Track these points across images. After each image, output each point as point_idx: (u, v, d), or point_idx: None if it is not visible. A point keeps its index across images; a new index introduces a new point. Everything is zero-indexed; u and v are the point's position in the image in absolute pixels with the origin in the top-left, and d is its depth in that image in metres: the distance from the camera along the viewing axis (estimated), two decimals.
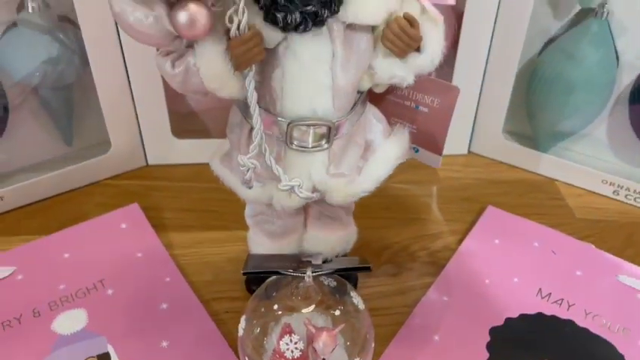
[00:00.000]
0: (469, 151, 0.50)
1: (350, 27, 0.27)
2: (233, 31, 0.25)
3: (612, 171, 0.45)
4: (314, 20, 0.25)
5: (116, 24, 0.41)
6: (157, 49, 0.27)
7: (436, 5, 0.27)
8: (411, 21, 0.26)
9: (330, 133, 0.28)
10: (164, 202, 0.44)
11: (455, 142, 0.49)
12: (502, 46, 0.44)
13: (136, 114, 0.45)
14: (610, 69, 0.43)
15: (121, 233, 0.40)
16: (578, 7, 0.44)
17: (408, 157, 0.31)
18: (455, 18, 0.45)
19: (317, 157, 0.29)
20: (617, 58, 0.43)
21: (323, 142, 0.28)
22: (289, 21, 0.25)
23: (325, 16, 0.25)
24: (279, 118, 0.28)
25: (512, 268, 0.38)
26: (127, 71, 0.43)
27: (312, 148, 0.28)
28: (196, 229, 0.42)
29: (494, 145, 0.49)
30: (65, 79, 0.43)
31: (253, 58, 0.25)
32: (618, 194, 0.44)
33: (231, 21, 0.25)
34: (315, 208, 0.33)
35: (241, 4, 0.25)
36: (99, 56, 0.42)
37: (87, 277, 0.37)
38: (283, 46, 0.26)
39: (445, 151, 0.36)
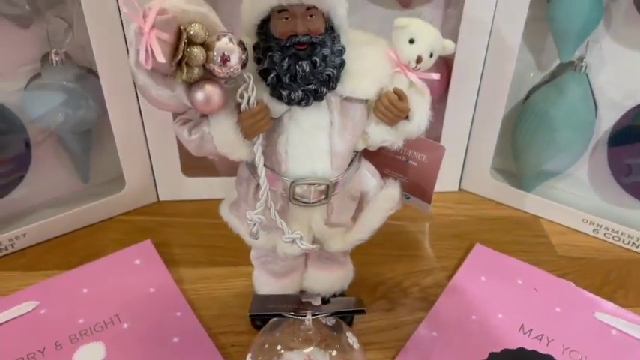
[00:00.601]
0: (460, 189, 0.53)
1: (346, 99, 0.30)
2: (243, 106, 0.29)
3: (592, 210, 0.48)
4: (314, 96, 0.29)
5: (125, 46, 0.44)
6: (175, 118, 0.31)
7: (422, 78, 0.31)
8: (400, 95, 0.30)
9: (328, 190, 0.32)
10: (174, 238, 0.47)
11: (446, 180, 0.52)
12: (489, 93, 0.47)
13: (149, 154, 0.49)
14: (589, 116, 0.46)
15: (136, 269, 0.44)
16: (559, 60, 0.47)
17: (399, 209, 0.34)
18: (446, 67, 0.49)
19: (317, 210, 0.32)
20: (596, 105, 0.47)
21: (322, 197, 0.32)
22: (293, 97, 0.29)
23: (324, 92, 0.29)
24: (284, 178, 0.31)
25: (497, 304, 0.41)
26: (141, 116, 0.47)
27: (313, 203, 0.32)
28: (204, 265, 0.45)
29: (482, 183, 0.52)
30: (84, 124, 0.46)
31: (261, 128, 0.29)
32: (598, 232, 0.48)
33: (241, 97, 0.29)
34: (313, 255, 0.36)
35: (250, 83, 0.29)
36: (116, 103, 0.45)
37: (104, 311, 0.40)
38: (287, 115, 0.30)
39: (437, 189, 0.39)
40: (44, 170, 0.48)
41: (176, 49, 0.26)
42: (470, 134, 0.50)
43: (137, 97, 0.46)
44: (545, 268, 0.44)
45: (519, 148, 0.49)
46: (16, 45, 0.43)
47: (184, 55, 0.26)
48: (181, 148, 0.50)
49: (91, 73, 0.46)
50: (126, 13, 0.39)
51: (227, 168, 0.40)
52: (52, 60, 0.43)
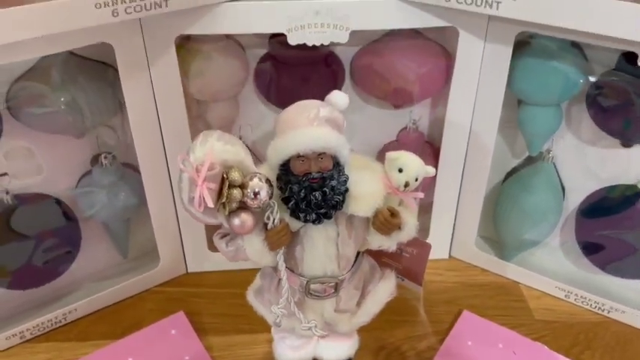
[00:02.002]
0: (450, 256, 0.61)
1: (350, 215, 0.38)
2: (270, 225, 0.37)
3: (564, 277, 0.56)
4: (325, 216, 0.36)
5: (168, 170, 0.52)
6: (216, 232, 0.38)
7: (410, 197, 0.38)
8: (393, 212, 0.37)
9: (337, 286, 0.39)
10: (203, 308, 0.55)
11: (438, 249, 0.60)
12: (471, 178, 0.55)
13: (180, 234, 0.57)
14: (557, 198, 0.54)
15: (172, 339, 0.51)
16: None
17: (395, 295, 0.42)
18: (433, 153, 0.57)
19: (328, 301, 0.40)
20: (563, 188, 0.55)
21: (332, 292, 0.39)
22: (308, 218, 0.36)
23: (333, 213, 0.37)
24: (301, 277, 0.39)
25: None
26: (174, 203, 0.54)
27: (325, 296, 0.39)
28: (230, 333, 0.52)
29: (469, 252, 0.59)
30: (126, 213, 0.54)
31: (283, 242, 0.37)
32: (569, 297, 0.55)
33: (268, 218, 0.36)
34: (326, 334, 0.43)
35: (275, 208, 0.36)
36: (154, 193, 0.53)
37: None
38: (303, 230, 0.38)
39: (431, 256, 0.47)
40: (90, 249, 0.56)
41: (220, 191, 0.34)
42: (457, 210, 0.58)
43: (171, 189, 0.53)
44: (523, 332, 0.52)
45: (499, 223, 0.57)
46: (71, 150, 0.51)
47: (226, 196, 0.34)
48: (207, 228, 0.58)
49: (132, 168, 0.54)
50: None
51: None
52: (101, 162, 0.51)
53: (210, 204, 0.32)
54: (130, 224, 0.56)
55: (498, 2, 0.41)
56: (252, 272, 0.45)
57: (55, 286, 0.53)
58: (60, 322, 0.52)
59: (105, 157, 0.51)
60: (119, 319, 0.53)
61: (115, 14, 0.39)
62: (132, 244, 0.58)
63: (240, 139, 0.53)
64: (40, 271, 0.52)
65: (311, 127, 0.35)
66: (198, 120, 0.53)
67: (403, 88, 0.51)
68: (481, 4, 0.41)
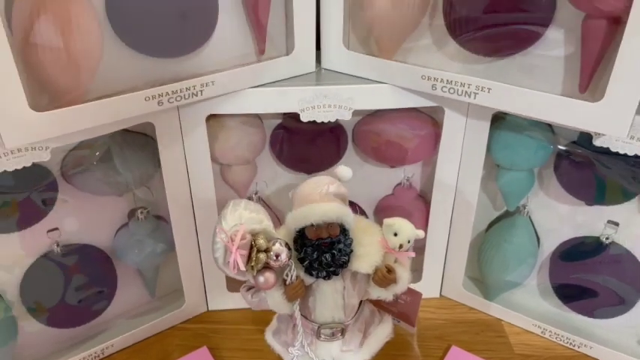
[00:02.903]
0: (441, 295, 0.68)
1: (354, 272, 0.46)
2: (288, 281, 0.44)
3: (540, 315, 0.63)
4: (334, 273, 0.44)
5: (195, 222, 0.60)
6: (242, 286, 0.46)
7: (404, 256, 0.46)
8: (389, 269, 0.45)
9: (343, 330, 0.47)
10: (222, 343, 0.62)
11: (430, 289, 0.67)
12: (458, 228, 0.63)
13: (203, 276, 0.64)
14: (533, 247, 0.62)
15: None
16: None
17: (392, 336, 0.49)
18: (425, 206, 0.65)
19: (335, 343, 0.47)
20: (538, 237, 0.62)
21: (339, 335, 0.47)
22: (319, 275, 0.44)
23: (340, 271, 0.44)
24: (312, 323, 0.46)
25: None
26: (199, 250, 0.62)
27: (333, 339, 0.47)
28: None
29: (457, 292, 0.67)
30: (157, 260, 0.62)
31: (299, 295, 0.45)
32: (545, 333, 0.62)
33: (286, 275, 0.44)
34: None
35: (293, 267, 0.44)
36: (181, 241, 0.61)
37: None
38: (315, 284, 0.45)
39: (425, 295, 0.55)
40: (124, 290, 0.63)
41: (249, 254, 0.42)
42: (446, 255, 0.65)
43: (197, 238, 0.61)
44: None
45: (484, 267, 0.64)
46: (112, 205, 0.59)
47: (254, 260, 0.41)
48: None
49: (163, 220, 0.62)
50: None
51: None
52: (137, 216, 0.59)
53: (243, 268, 0.40)
54: (159, 268, 0.64)
55: (475, 93, 0.49)
56: (265, 311, 0.52)
57: (94, 323, 0.61)
58: (99, 356, 0.60)
59: (141, 212, 0.59)
60: (150, 354, 0.61)
61: (160, 104, 0.48)
62: (159, 285, 0.65)
63: (256, 193, 0.63)
64: (75, 310, 0.59)
65: (322, 202, 0.43)
66: (223, 180, 0.61)
67: (398, 152, 0.60)
68: (462, 94, 0.50)
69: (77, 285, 0.57)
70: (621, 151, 0.48)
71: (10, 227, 0.52)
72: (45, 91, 0.43)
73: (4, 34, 0.39)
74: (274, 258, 0.42)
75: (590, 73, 0.46)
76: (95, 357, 0.59)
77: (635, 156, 0.48)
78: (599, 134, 0.48)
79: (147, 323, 0.62)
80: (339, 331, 0.48)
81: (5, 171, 0.45)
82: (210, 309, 0.66)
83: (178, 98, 0.48)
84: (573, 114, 0.46)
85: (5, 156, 0.44)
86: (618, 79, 0.43)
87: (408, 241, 0.46)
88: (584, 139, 0.53)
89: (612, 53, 0.43)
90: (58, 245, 0.56)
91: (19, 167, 0.45)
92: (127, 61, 0.47)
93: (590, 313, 0.61)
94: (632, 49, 0.41)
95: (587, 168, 0.54)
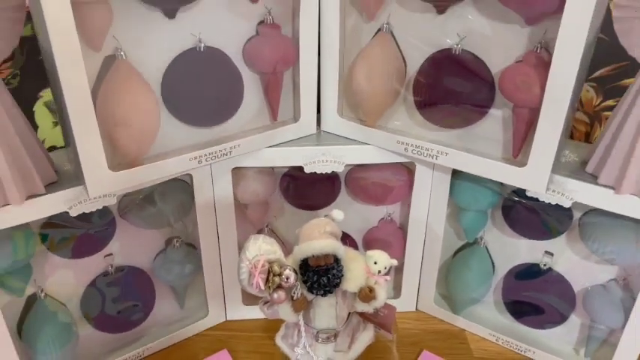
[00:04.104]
0: (416, 309, 0.83)
1: (344, 290, 0.60)
2: (295, 297, 0.59)
3: (495, 325, 0.78)
4: (329, 292, 0.59)
5: (219, 249, 0.75)
6: (260, 301, 0.61)
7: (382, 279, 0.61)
8: (371, 289, 0.60)
9: (336, 335, 0.61)
10: (239, 347, 0.76)
11: (408, 304, 0.82)
12: (429, 253, 0.78)
13: (224, 293, 0.79)
14: (489, 271, 0.77)
15: None
16: None
17: (373, 341, 0.64)
18: (403, 236, 0.79)
19: (330, 344, 0.62)
20: (493, 264, 0.77)
21: (332, 338, 0.62)
22: (318, 293, 0.59)
23: (334, 290, 0.59)
24: (313, 329, 0.61)
25: None
26: (221, 272, 0.77)
27: (328, 341, 0.61)
28: None
29: (429, 307, 0.82)
30: (187, 279, 0.76)
31: (303, 308, 0.59)
32: (498, 341, 0.77)
33: (293, 293, 0.59)
34: None
35: (298, 286, 0.59)
36: (208, 265, 0.76)
37: None
38: (315, 299, 0.60)
39: (403, 309, 0.70)
40: (159, 302, 0.77)
41: (267, 278, 0.57)
42: (420, 276, 0.80)
43: (220, 261, 0.76)
44: None
45: (450, 287, 0.79)
46: (154, 235, 0.74)
47: (271, 282, 0.56)
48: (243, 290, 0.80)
49: (193, 247, 0.77)
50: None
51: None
52: (173, 244, 0.74)
53: (262, 287, 0.55)
54: (188, 285, 0.79)
55: (437, 156, 0.65)
56: (275, 321, 0.66)
57: (136, 329, 0.75)
58: (139, 356, 0.74)
59: (176, 241, 0.74)
60: (180, 356, 0.75)
61: (200, 162, 0.63)
62: (188, 299, 0.80)
63: (268, 225, 0.78)
64: (122, 318, 0.74)
65: (321, 239, 0.58)
66: (242, 215, 0.76)
67: (381, 194, 0.75)
68: (427, 156, 0.65)
69: (126, 298, 0.72)
70: (546, 200, 0.64)
71: (85, 251, 0.67)
72: (118, 156, 0.59)
73: (94, 117, 0.54)
74: (285, 280, 0.57)
75: (520, 145, 0.61)
76: (136, 357, 0.74)
77: (556, 204, 0.63)
78: None
79: (177, 330, 0.77)
80: (332, 335, 0.62)
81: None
82: (228, 319, 0.81)
83: (213, 158, 0.64)
84: (508, 174, 0.62)
85: (85, 202, 0.60)
86: (536, 150, 0.58)
87: (385, 268, 0.61)
88: (522, 190, 0.68)
89: (533, 132, 0.58)
90: (112, 267, 0.71)
91: (94, 209, 0.61)
92: (175, 131, 0.62)
93: (533, 324, 0.76)
94: (545, 130, 0.57)
95: (525, 211, 0.69)
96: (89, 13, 0.51)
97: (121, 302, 0.72)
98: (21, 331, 0.66)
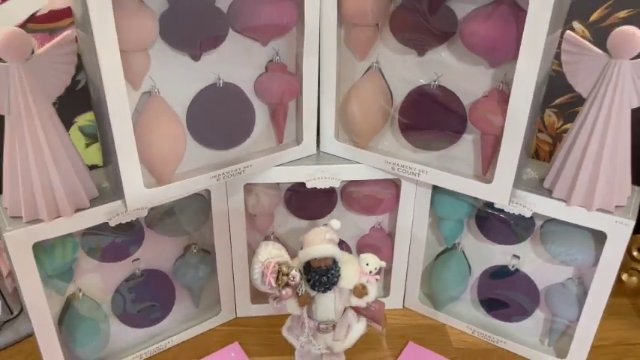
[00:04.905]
0: (403, 306, 0.94)
1: (341, 287, 0.71)
2: (300, 294, 0.70)
3: (471, 319, 0.89)
4: (328, 289, 0.70)
5: (231, 255, 0.86)
6: (270, 296, 0.71)
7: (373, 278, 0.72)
8: (363, 286, 0.71)
9: (334, 326, 0.72)
10: (249, 340, 0.87)
11: (396, 302, 0.94)
12: (414, 256, 0.89)
13: (234, 292, 0.89)
14: (466, 272, 0.88)
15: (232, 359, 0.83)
16: None
17: (366, 331, 0.75)
18: (391, 242, 0.91)
19: (329, 334, 0.73)
20: (469, 266, 0.89)
21: (331, 329, 0.73)
22: (319, 290, 0.70)
23: (333, 287, 0.70)
24: (315, 321, 0.72)
25: None
26: (233, 277, 0.87)
27: (327, 332, 0.72)
28: (269, 355, 0.84)
29: (415, 304, 0.93)
30: (202, 281, 0.87)
31: (306, 302, 0.71)
32: (474, 333, 0.88)
33: (299, 289, 0.70)
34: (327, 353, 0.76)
35: (303, 285, 0.70)
36: (222, 268, 0.86)
37: None
38: (317, 295, 0.71)
39: (392, 306, 0.81)
40: (178, 301, 0.88)
41: (276, 277, 0.67)
42: (406, 277, 0.92)
43: (232, 265, 0.87)
44: (446, 355, 0.85)
45: (433, 286, 0.91)
46: (174, 243, 0.84)
47: (280, 281, 0.67)
48: (251, 290, 0.90)
49: (208, 252, 0.87)
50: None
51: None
52: (191, 250, 0.85)
53: (274, 285, 0.66)
54: (203, 286, 0.89)
55: (419, 174, 0.76)
56: (277, 317, 0.78)
57: (159, 324, 0.86)
58: (162, 349, 0.85)
59: (194, 247, 0.85)
60: (198, 347, 0.86)
61: (218, 180, 0.74)
62: (202, 298, 0.90)
63: (273, 233, 0.89)
64: (141, 316, 0.84)
65: (321, 244, 0.69)
66: (251, 224, 0.87)
67: (372, 206, 0.87)
68: (410, 173, 0.77)
69: (150, 298, 0.83)
70: (510, 211, 0.75)
71: (117, 257, 0.78)
72: (151, 175, 0.70)
73: (134, 143, 0.65)
74: (292, 279, 0.68)
75: (487, 165, 0.73)
76: (159, 350, 0.84)
77: (519, 214, 0.75)
78: None
79: (194, 326, 0.88)
80: (331, 326, 0.73)
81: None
82: (238, 316, 0.92)
83: (229, 176, 0.75)
84: (478, 189, 0.74)
85: (122, 214, 0.70)
86: (500, 169, 0.70)
87: (375, 268, 0.72)
88: (491, 202, 0.79)
89: (497, 154, 0.70)
90: (138, 270, 0.82)
91: (129, 220, 0.71)
92: (198, 153, 0.74)
93: (504, 318, 0.87)
94: (506, 152, 0.69)
95: (495, 220, 0.81)
96: (133, 60, 0.63)
97: (146, 301, 0.83)
98: (61, 324, 0.76)
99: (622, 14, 0.86)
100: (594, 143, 0.67)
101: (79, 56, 0.66)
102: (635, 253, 0.93)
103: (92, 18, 0.56)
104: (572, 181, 0.71)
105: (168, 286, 0.85)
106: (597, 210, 0.70)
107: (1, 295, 0.84)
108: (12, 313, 0.86)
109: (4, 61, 0.59)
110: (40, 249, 0.68)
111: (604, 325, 0.77)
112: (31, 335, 0.83)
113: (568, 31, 0.67)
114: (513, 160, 0.69)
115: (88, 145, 0.88)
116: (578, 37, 0.66)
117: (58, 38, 0.62)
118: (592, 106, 0.67)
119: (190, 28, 0.66)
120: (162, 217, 0.79)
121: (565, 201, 0.72)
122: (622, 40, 0.63)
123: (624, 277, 0.93)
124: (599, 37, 0.66)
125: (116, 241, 0.76)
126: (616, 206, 0.71)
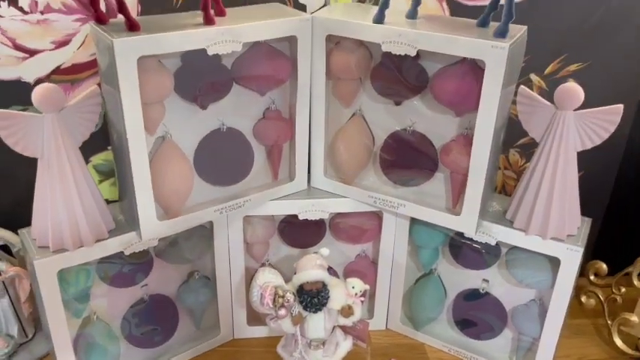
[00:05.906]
0: (386, 327, 1.03)
1: (330, 308, 0.81)
2: (293, 314, 0.79)
3: (447, 339, 0.98)
4: (319, 310, 0.79)
5: (230, 281, 0.94)
6: (267, 317, 0.80)
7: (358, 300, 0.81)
8: (349, 307, 0.80)
9: (324, 343, 0.81)
10: (245, 358, 0.95)
11: (379, 323, 1.03)
12: (395, 281, 0.99)
13: (232, 315, 0.97)
14: (442, 295, 0.98)
15: None
16: None
17: (352, 349, 0.84)
18: (374, 268, 1.00)
19: (319, 350, 0.82)
20: (445, 290, 0.99)
21: (321, 346, 0.81)
22: (311, 310, 0.79)
23: (323, 308, 0.79)
24: (306, 338, 0.81)
25: None
26: (231, 299, 0.96)
27: (317, 348, 0.81)
28: None
29: (396, 325, 1.02)
30: (204, 304, 0.95)
31: (299, 322, 0.79)
32: (450, 351, 0.98)
33: (292, 310, 0.79)
34: None
35: (296, 306, 0.79)
36: (221, 293, 0.95)
37: None
38: (308, 316, 0.80)
39: (376, 327, 0.90)
40: (181, 323, 0.96)
41: (273, 299, 0.76)
42: (389, 299, 1.01)
43: (231, 291, 0.95)
44: None
45: (412, 309, 1.00)
46: (178, 269, 0.93)
47: (276, 302, 0.76)
48: (248, 312, 0.99)
49: (209, 279, 0.96)
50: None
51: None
52: (194, 276, 0.93)
53: (271, 306, 0.75)
54: (204, 310, 0.97)
55: (397, 207, 0.87)
56: (271, 338, 0.86)
57: (164, 344, 0.93)
58: None
59: (196, 274, 0.94)
60: None
61: (221, 213, 0.84)
62: (203, 321, 0.98)
63: (267, 260, 0.98)
64: (153, 335, 0.92)
65: (312, 270, 0.79)
66: (248, 252, 0.96)
67: (357, 235, 0.97)
68: (390, 207, 0.88)
69: (155, 320, 0.91)
70: (478, 240, 0.86)
71: (128, 282, 0.86)
72: (162, 209, 0.79)
73: (150, 180, 0.74)
74: (287, 301, 0.77)
75: (456, 199, 0.84)
76: None
77: (486, 243, 0.86)
78: None
79: (195, 346, 0.95)
80: (321, 343, 0.82)
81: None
82: (235, 337, 1.00)
83: (231, 209, 0.85)
84: (449, 221, 0.84)
85: (136, 244, 0.79)
86: (467, 203, 0.81)
87: (360, 291, 0.82)
88: (461, 232, 0.90)
89: (464, 190, 0.81)
90: (146, 295, 0.90)
91: (141, 249, 0.80)
92: (203, 189, 0.84)
93: (476, 337, 0.97)
94: (472, 189, 0.80)
95: (466, 248, 0.91)
96: (151, 111, 0.73)
97: (151, 323, 0.91)
98: (77, 345, 0.84)
99: (573, 67, 1.00)
100: (547, 181, 0.79)
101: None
102: (592, 277, 1.03)
103: (120, 76, 0.67)
104: (529, 213, 0.82)
105: (172, 310, 0.93)
106: (551, 238, 0.81)
107: (18, 319, 0.91)
108: (27, 336, 0.93)
109: (39, 112, 0.69)
110: (62, 276, 0.76)
111: (567, 344, 0.86)
112: (44, 357, 0.91)
113: (522, 86, 0.80)
114: (478, 195, 0.80)
115: (100, 182, 0.97)
116: (529, 90, 0.78)
117: (87, 92, 0.73)
118: (543, 149, 0.79)
119: (200, 83, 0.77)
120: (169, 246, 0.88)
121: (524, 230, 0.83)
122: (566, 94, 0.75)
123: (583, 299, 1.03)
124: (553, 87, 0.78)
125: (128, 268, 0.84)
126: (567, 235, 0.82)
